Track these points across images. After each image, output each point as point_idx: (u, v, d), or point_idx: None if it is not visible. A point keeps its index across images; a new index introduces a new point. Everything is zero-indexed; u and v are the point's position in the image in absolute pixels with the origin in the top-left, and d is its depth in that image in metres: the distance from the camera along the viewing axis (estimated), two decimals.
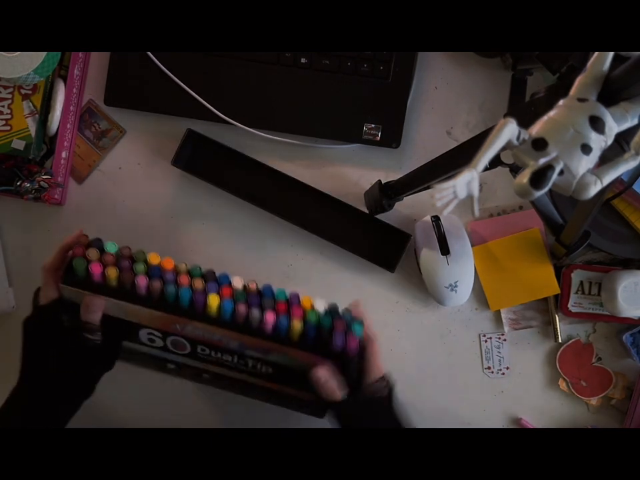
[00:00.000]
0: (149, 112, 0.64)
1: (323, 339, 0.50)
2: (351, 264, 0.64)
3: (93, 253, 0.50)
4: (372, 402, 0.50)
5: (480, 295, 0.64)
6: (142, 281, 0.49)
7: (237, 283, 0.51)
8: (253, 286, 0.51)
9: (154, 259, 0.51)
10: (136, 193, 0.66)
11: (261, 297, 0.51)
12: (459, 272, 0.59)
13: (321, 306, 0.50)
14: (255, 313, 0.50)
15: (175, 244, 0.66)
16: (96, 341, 0.50)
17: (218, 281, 0.51)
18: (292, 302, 0.51)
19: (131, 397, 0.68)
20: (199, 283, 0.50)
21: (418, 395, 0.66)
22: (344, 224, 0.63)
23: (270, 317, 0.50)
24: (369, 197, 0.60)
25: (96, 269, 0.49)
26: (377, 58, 0.61)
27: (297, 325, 0.49)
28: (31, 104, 0.62)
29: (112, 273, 0.49)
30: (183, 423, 0.64)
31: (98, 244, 0.51)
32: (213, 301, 0.49)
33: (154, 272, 0.50)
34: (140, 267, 0.50)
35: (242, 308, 0.49)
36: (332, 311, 0.51)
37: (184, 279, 0.50)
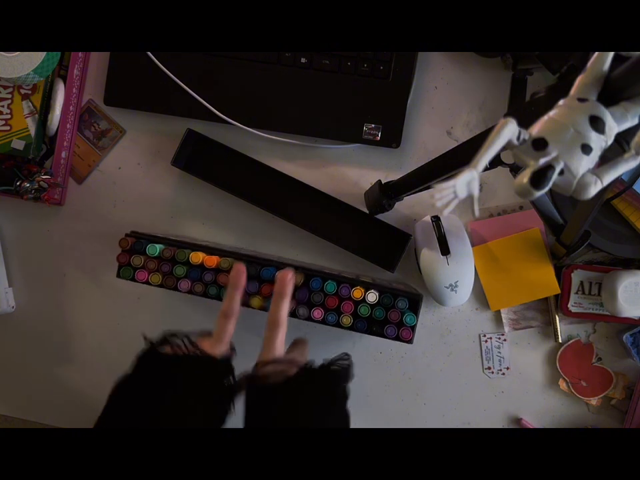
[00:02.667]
0: (148, 112, 0.64)
1: (375, 330, 0.52)
2: (351, 264, 0.64)
3: (137, 260, 0.52)
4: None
5: (480, 295, 0.64)
6: (184, 285, 0.53)
7: None
8: (299, 279, 0.52)
9: (195, 258, 0.52)
10: (136, 193, 0.66)
11: (310, 291, 0.51)
12: (459, 272, 0.59)
13: (373, 297, 0.51)
14: (302, 311, 0.51)
15: None
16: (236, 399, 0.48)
17: (261, 277, 0.51)
18: (342, 295, 0.51)
19: None
20: None
21: (418, 396, 0.66)
22: (344, 224, 0.63)
23: (317, 315, 0.51)
24: (369, 197, 0.60)
25: (141, 276, 0.51)
26: (377, 58, 0.61)
27: (347, 320, 0.51)
28: (30, 104, 0.62)
29: (155, 279, 0.53)
30: None
31: (140, 247, 0.52)
32: (256, 303, 0.52)
33: (194, 274, 0.52)
34: (180, 271, 0.52)
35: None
36: (385, 303, 0.51)
37: (223, 278, 0.51)
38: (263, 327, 0.49)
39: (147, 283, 0.53)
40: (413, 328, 0.51)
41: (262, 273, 0.52)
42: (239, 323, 0.52)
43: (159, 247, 0.53)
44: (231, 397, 0.47)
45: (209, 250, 0.53)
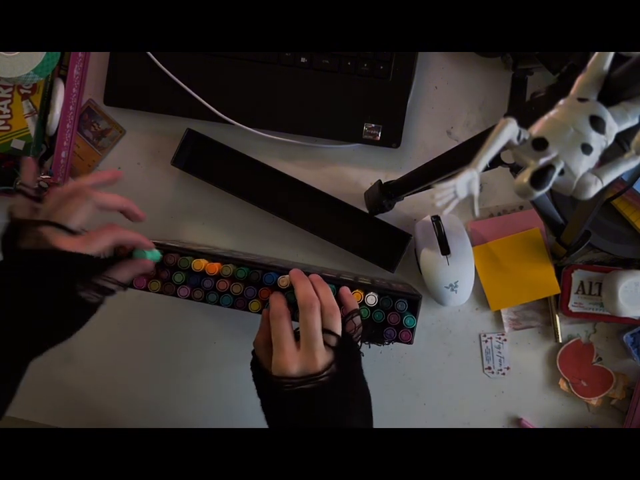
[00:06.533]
0: (148, 112, 0.64)
1: (375, 332, 0.51)
2: (351, 264, 0.64)
3: None
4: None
5: (480, 295, 0.64)
6: (183, 292, 0.52)
7: (284, 282, 0.51)
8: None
9: (198, 265, 0.52)
10: (135, 193, 0.66)
11: None
12: (459, 272, 0.59)
13: (372, 300, 0.51)
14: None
15: None
16: (94, 300, 0.46)
17: (264, 281, 0.51)
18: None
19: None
20: (237, 288, 0.51)
21: (418, 396, 0.66)
22: (344, 224, 0.63)
23: None
24: (369, 197, 0.60)
25: (139, 284, 0.51)
26: (377, 58, 0.61)
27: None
28: (30, 104, 0.62)
29: (155, 286, 0.52)
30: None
31: (140, 254, 0.52)
32: (254, 306, 0.52)
33: (193, 281, 0.52)
34: (179, 278, 0.52)
35: None
36: (384, 305, 0.51)
37: (222, 285, 0.51)
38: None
39: (146, 289, 0.52)
40: (412, 329, 0.51)
41: (265, 278, 0.52)
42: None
43: (157, 254, 0.52)
44: (83, 302, 0.45)
45: (211, 257, 0.53)
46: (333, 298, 0.48)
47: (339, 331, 0.46)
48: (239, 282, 0.52)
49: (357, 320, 0.49)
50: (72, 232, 0.44)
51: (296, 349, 0.46)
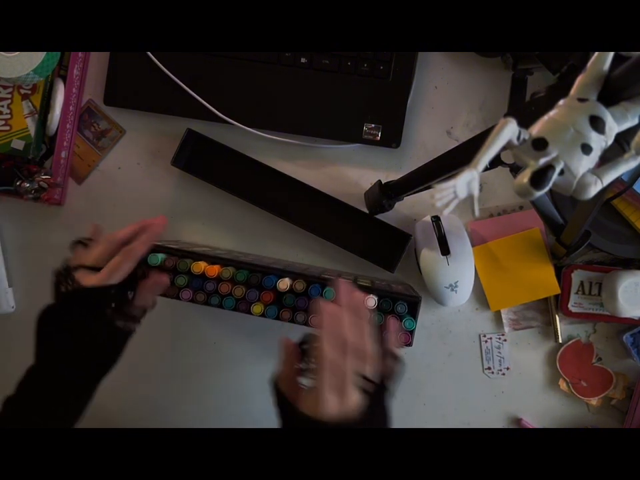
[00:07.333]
0: (148, 112, 0.64)
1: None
2: (351, 264, 0.64)
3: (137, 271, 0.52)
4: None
5: (480, 295, 0.64)
6: (186, 295, 0.53)
7: (283, 285, 0.51)
8: (300, 287, 0.52)
9: (197, 267, 0.52)
10: (135, 193, 0.66)
11: (308, 298, 0.52)
12: (459, 272, 0.59)
13: (371, 303, 0.51)
14: (299, 318, 0.51)
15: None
16: (131, 329, 0.50)
17: (263, 285, 0.51)
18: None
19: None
20: (239, 291, 0.51)
21: (418, 396, 0.66)
22: (344, 224, 0.63)
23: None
24: (369, 197, 0.60)
25: None
26: (377, 58, 0.61)
27: None
28: (30, 104, 0.62)
29: None
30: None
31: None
32: (257, 309, 0.52)
33: (196, 284, 0.52)
34: (181, 281, 0.52)
35: (285, 315, 0.52)
36: (384, 308, 0.51)
37: (224, 287, 0.51)
38: (257, 332, 0.49)
39: None
40: (412, 332, 0.51)
41: (264, 282, 0.52)
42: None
43: (160, 256, 0.52)
44: (114, 326, 0.49)
45: (210, 259, 0.53)
46: (370, 341, 0.44)
47: (373, 377, 0.44)
48: (240, 285, 0.52)
49: (393, 363, 0.46)
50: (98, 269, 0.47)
51: (338, 398, 0.42)
